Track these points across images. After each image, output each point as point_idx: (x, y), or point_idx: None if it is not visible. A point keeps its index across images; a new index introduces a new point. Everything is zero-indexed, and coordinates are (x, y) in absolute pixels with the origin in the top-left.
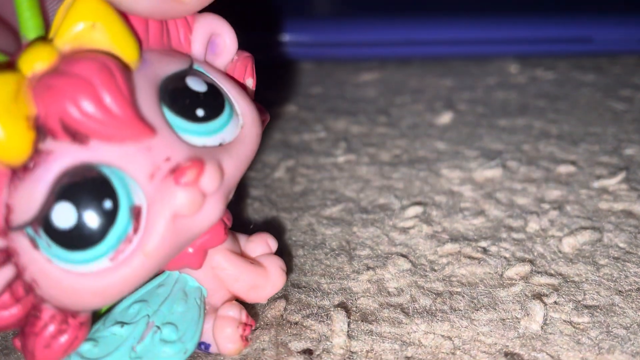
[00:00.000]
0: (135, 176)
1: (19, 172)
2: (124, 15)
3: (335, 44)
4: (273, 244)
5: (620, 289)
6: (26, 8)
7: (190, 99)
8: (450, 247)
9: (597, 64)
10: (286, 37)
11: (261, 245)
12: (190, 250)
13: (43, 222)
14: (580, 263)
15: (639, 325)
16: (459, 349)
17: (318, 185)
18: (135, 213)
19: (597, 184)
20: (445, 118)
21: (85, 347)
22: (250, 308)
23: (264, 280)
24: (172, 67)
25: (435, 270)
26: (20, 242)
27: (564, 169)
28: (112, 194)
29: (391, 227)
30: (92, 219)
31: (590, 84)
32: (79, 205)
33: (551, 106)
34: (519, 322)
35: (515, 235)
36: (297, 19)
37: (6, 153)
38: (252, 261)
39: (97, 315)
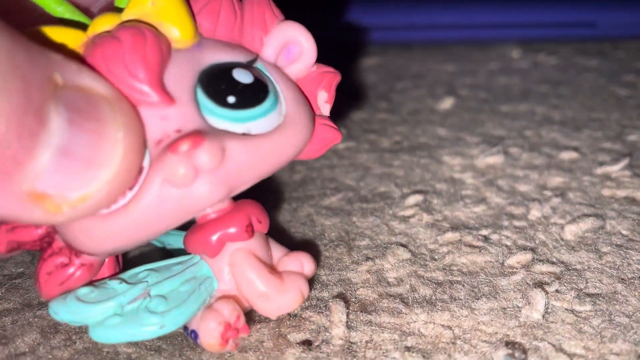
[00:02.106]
0: (147, 139)
1: None
2: (192, 4)
3: (334, 28)
4: (307, 267)
5: (622, 276)
6: None
7: (227, 86)
8: (450, 235)
9: (601, 49)
10: None
11: (294, 263)
12: (213, 237)
13: None
14: (583, 251)
15: None
16: (459, 339)
17: (318, 174)
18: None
19: (600, 171)
20: (447, 103)
21: (83, 291)
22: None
23: (276, 294)
24: (225, 56)
25: (435, 260)
26: None
27: (566, 155)
28: None
29: (391, 216)
30: None
31: (594, 69)
32: None
33: (554, 92)
34: (520, 310)
35: (516, 223)
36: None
37: None
38: (273, 271)
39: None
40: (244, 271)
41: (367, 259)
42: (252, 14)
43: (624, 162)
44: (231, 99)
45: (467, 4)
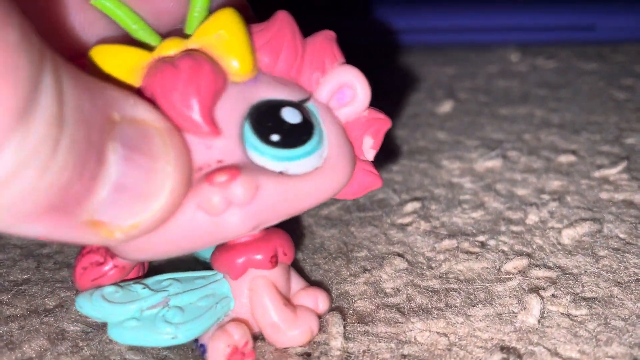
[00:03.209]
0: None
1: None
2: (253, 39)
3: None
4: (322, 305)
5: (619, 280)
6: (197, 10)
7: (274, 123)
8: (448, 243)
9: (600, 52)
10: None
11: (310, 299)
12: (238, 260)
13: None
14: (580, 255)
15: (637, 316)
16: (455, 345)
17: None
18: None
19: (598, 174)
20: (446, 107)
21: (109, 289)
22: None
23: (287, 327)
24: (278, 94)
25: (432, 268)
26: None
27: (564, 158)
28: None
29: (389, 225)
30: None
31: (592, 73)
32: None
33: (553, 95)
34: (515, 316)
35: (514, 228)
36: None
37: None
38: (288, 304)
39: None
40: (261, 298)
41: (365, 270)
42: (313, 54)
43: (622, 165)
44: (275, 137)
45: (467, 7)
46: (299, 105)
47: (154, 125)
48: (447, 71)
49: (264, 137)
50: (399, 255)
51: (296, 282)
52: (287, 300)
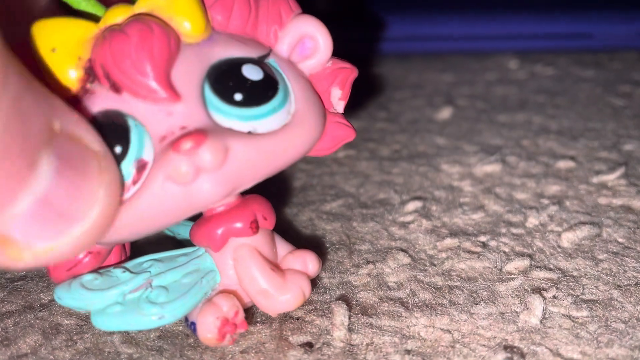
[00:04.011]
0: (151, 134)
1: (71, 103)
2: None
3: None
4: (312, 266)
5: (619, 283)
6: None
7: (235, 82)
8: (449, 241)
9: (597, 59)
10: None
11: (299, 261)
12: (217, 231)
13: None
14: (579, 258)
15: (637, 319)
16: (459, 342)
17: (318, 180)
18: (140, 166)
19: (596, 180)
20: (445, 113)
21: (87, 277)
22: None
23: (277, 292)
24: (236, 51)
25: (434, 265)
26: None
27: (563, 164)
28: (125, 143)
29: (391, 222)
30: None
31: (590, 80)
32: None
33: (551, 102)
34: (518, 316)
35: (514, 230)
36: None
37: (56, 82)
38: (275, 269)
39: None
40: (246, 267)
41: (368, 262)
42: (267, 7)
43: (620, 171)
44: (238, 96)
45: (466, 15)
46: (259, 62)
47: (92, 147)
48: (446, 78)
49: (227, 98)
50: (402, 250)
51: (282, 247)
52: (275, 265)
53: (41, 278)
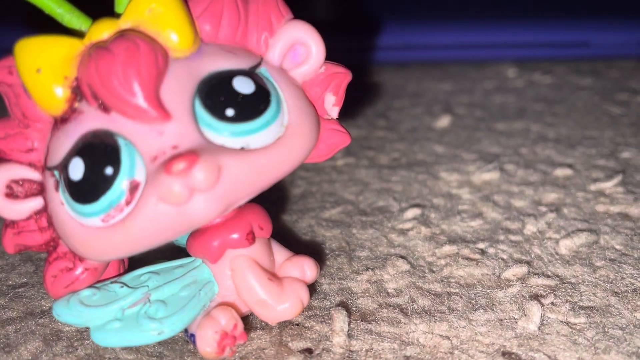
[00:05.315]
0: (143, 154)
1: (59, 122)
2: (190, 9)
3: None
4: (309, 273)
5: (616, 290)
6: None
7: (226, 97)
8: (448, 248)
9: (594, 68)
10: None
11: (296, 268)
12: (214, 243)
13: (64, 169)
14: (577, 265)
15: (634, 325)
16: (457, 349)
17: (317, 188)
18: (133, 187)
19: (593, 187)
20: (444, 122)
21: (85, 293)
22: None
23: (275, 301)
24: (226, 63)
25: (433, 272)
26: (49, 181)
27: (561, 172)
28: (116, 163)
29: (390, 229)
30: (92, 180)
31: (588, 88)
32: (87, 164)
33: (549, 110)
34: (516, 322)
35: (512, 237)
36: None
37: (44, 103)
38: (273, 278)
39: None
40: (244, 278)
41: (367, 269)
42: (257, 14)
43: (617, 178)
44: (230, 112)
45: (464, 24)
46: (250, 73)
47: None
48: (444, 87)
49: (218, 113)
50: (401, 257)
51: (280, 253)
52: (272, 274)
53: (42, 285)
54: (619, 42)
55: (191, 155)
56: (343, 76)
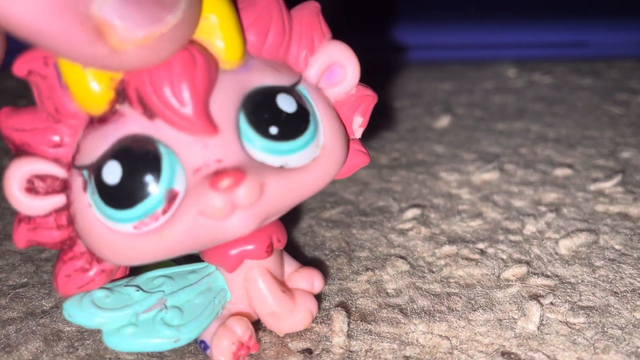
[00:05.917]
0: (185, 165)
1: (96, 122)
2: (241, 19)
3: None
4: (317, 285)
5: (615, 290)
6: None
7: (270, 115)
8: (447, 248)
9: (594, 68)
10: None
11: (305, 281)
12: (232, 252)
13: (96, 171)
14: (576, 265)
15: (634, 325)
16: (457, 349)
17: None
18: (171, 196)
19: (593, 187)
20: (444, 122)
21: (99, 294)
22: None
23: (287, 314)
24: (271, 79)
25: (433, 272)
26: (76, 180)
27: (560, 172)
28: (156, 171)
29: (390, 229)
30: (129, 186)
31: (587, 88)
32: (125, 169)
33: (548, 110)
34: (515, 322)
35: (512, 237)
36: None
37: (85, 101)
38: (285, 290)
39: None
40: (258, 288)
41: (367, 269)
42: (300, 31)
43: (617, 178)
44: (274, 130)
45: (464, 24)
46: (292, 90)
47: None
48: (444, 87)
49: (262, 130)
50: (401, 257)
51: (289, 264)
52: (284, 285)
53: (42, 285)
54: (618, 42)
55: (238, 172)
56: (371, 99)
